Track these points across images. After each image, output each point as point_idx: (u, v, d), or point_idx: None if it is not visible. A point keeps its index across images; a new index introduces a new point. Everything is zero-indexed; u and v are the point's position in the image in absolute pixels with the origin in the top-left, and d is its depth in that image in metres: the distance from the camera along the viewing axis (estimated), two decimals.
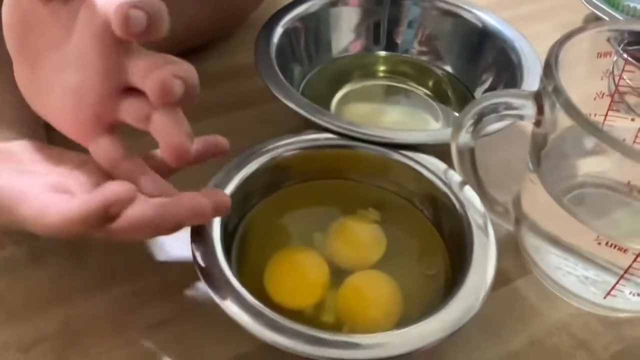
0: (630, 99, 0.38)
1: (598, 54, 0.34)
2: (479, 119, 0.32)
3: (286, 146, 0.34)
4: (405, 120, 0.42)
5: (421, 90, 0.44)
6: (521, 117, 0.31)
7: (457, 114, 0.42)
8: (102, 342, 0.30)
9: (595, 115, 0.37)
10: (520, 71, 0.40)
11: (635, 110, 0.37)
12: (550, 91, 0.29)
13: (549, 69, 0.29)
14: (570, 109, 0.27)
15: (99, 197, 0.23)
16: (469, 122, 0.32)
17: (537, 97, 0.30)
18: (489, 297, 0.28)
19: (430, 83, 0.45)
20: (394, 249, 0.33)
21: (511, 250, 0.36)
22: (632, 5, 0.53)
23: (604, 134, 0.26)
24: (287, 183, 0.35)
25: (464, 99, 0.43)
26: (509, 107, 0.31)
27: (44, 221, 0.24)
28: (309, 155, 0.34)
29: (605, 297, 0.32)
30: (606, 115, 0.37)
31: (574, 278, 0.33)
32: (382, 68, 0.46)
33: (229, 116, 0.44)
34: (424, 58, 0.46)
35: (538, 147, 0.31)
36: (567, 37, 0.32)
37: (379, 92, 0.44)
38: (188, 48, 0.45)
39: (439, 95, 0.44)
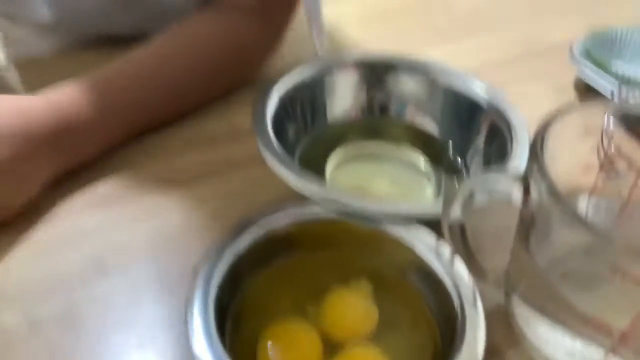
0: (620, 165, 0.39)
1: (586, 129, 0.36)
2: (469, 196, 0.32)
3: (278, 219, 0.35)
4: (399, 185, 0.43)
5: (414, 155, 0.45)
6: (509, 197, 0.32)
7: (450, 177, 0.43)
8: None
9: (582, 192, 0.38)
10: (510, 140, 0.41)
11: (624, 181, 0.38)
12: (535, 174, 0.30)
13: (535, 152, 0.30)
14: (554, 196, 0.28)
15: None
16: (458, 199, 0.33)
17: (524, 180, 0.31)
18: None
19: (423, 148, 0.46)
20: (386, 322, 0.34)
21: (502, 321, 0.36)
22: (620, 69, 0.55)
23: (587, 223, 0.27)
24: (279, 256, 0.35)
25: (457, 164, 0.45)
26: (496, 187, 0.32)
27: None
28: (300, 228, 0.35)
29: None
30: (594, 187, 0.38)
31: (562, 351, 0.33)
32: (376, 133, 0.47)
33: (227, 177, 0.45)
34: (417, 124, 0.47)
35: (525, 224, 0.32)
36: (554, 117, 0.33)
37: (373, 156, 0.46)
38: (193, 103, 0.47)
39: (432, 160, 0.45)
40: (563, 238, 0.33)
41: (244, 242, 0.33)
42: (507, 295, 0.35)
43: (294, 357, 0.32)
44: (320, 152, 0.45)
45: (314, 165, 0.44)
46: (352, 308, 0.34)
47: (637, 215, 0.38)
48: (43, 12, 0.52)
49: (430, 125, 0.47)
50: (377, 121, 0.47)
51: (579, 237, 0.32)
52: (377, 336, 0.33)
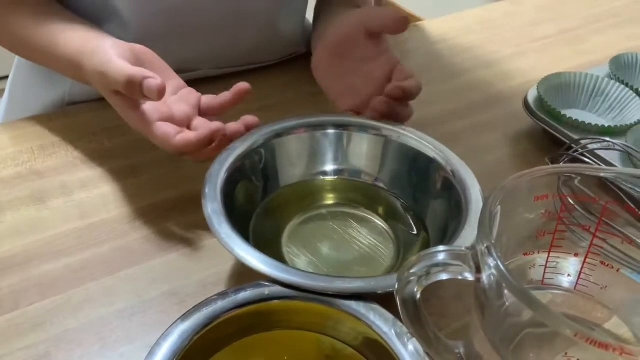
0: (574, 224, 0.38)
1: (535, 197, 0.35)
2: (423, 274, 0.32)
3: (228, 302, 0.34)
4: (359, 253, 0.42)
5: (373, 216, 0.45)
6: (462, 274, 0.31)
7: (411, 235, 0.43)
8: None
9: (539, 252, 0.38)
10: (465, 203, 0.41)
11: (579, 243, 0.38)
12: (484, 252, 0.29)
13: (483, 230, 0.30)
14: (502, 276, 0.28)
15: (207, 132, 0.42)
16: (412, 277, 0.32)
17: (474, 257, 0.30)
18: None
19: (381, 208, 0.45)
20: None
21: None
22: (572, 117, 0.55)
23: (538, 304, 0.27)
24: (233, 339, 0.34)
25: (416, 223, 0.44)
26: (450, 265, 0.31)
27: (170, 144, 0.43)
28: (253, 309, 0.34)
29: None
30: (549, 252, 0.37)
31: None
32: (332, 194, 0.46)
33: (180, 251, 0.44)
34: (373, 183, 0.47)
35: (480, 300, 0.31)
36: (501, 190, 0.33)
37: (330, 219, 0.45)
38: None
39: (391, 220, 0.44)
40: (516, 314, 0.33)
41: (193, 328, 0.32)
42: None
43: None
44: (275, 218, 0.44)
45: (269, 232, 0.43)
46: None
47: (595, 274, 0.38)
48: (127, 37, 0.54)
49: (387, 186, 0.46)
50: (333, 183, 0.47)
51: (528, 315, 0.31)
52: None
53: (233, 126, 0.45)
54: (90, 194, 0.48)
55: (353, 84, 0.51)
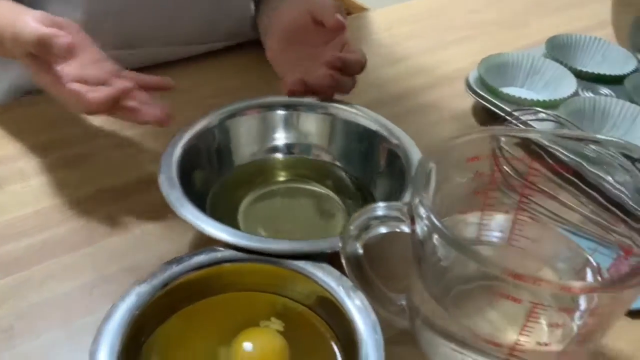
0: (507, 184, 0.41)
1: (467, 159, 0.38)
2: (363, 229, 0.34)
3: (183, 267, 0.36)
4: (311, 225, 0.45)
5: (323, 189, 0.47)
6: (399, 227, 0.34)
7: (360, 204, 0.45)
8: None
9: (473, 211, 0.41)
10: (408, 170, 0.44)
11: (509, 202, 0.41)
12: (417, 204, 0.32)
13: (415, 185, 0.32)
14: (433, 225, 0.30)
15: (115, 90, 0.44)
16: (353, 233, 0.34)
17: (409, 210, 0.33)
18: None
19: (331, 182, 0.48)
20: (296, 354, 0.35)
21: (410, 345, 0.38)
22: (510, 93, 0.59)
23: (465, 247, 0.29)
24: (188, 302, 0.36)
25: (364, 193, 0.47)
26: (388, 218, 0.34)
27: (81, 101, 0.43)
28: (208, 273, 0.36)
29: None
30: (482, 210, 0.40)
31: None
32: (284, 171, 0.49)
33: (139, 229, 0.46)
34: (323, 159, 0.49)
35: (417, 252, 0.34)
36: (435, 150, 0.35)
37: (283, 195, 0.47)
38: None
39: (341, 192, 0.47)
40: (450, 263, 0.35)
41: (147, 293, 0.34)
42: (411, 320, 0.37)
43: None
44: (230, 196, 0.46)
45: (225, 210, 0.45)
46: (262, 346, 0.35)
47: (526, 229, 0.41)
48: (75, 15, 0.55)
49: (336, 161, 0.49)
50: (284, 160, 0.49)
51: (464, 264, 0.34)
52: None
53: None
54: (47, 179, 0.49)
55: (306, 67, 0.52)
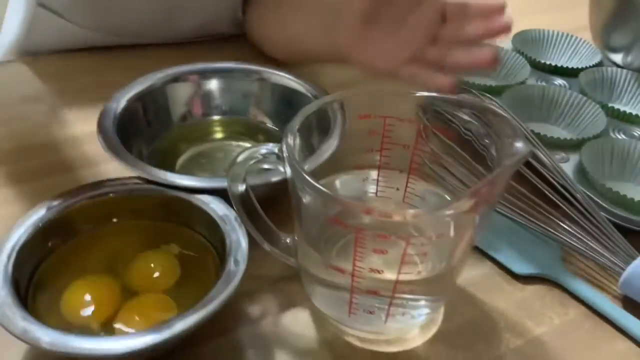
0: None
1: (359, 116, 0.42)
2: (246, 166, 0.38)
3: (91, 191, 0.41)
4: None
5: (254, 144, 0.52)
6: (277, 166, 0.38)
7: None
8: None
9: (370, 168, 0.44)
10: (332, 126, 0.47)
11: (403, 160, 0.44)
12: (284, 144, 0.36)
13: (290, 125, 0.37)
14: (291, 164, 0.34)
15: None
16: (236, 170, 0.38)
17: (279, 153, 0.37)
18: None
19: (262, 139, 0.53)
20: (187, 273, 0.40)
21: (296, 281, 0.42)
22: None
23: (311, 183, 0.33)
24: (93, 225, 0.41)
25: None
26: (269, 157, 0.38)
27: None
28: (116, 199, 0.42)
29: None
30: (379, 167, 0.44)
31: (336, 309, 0.39)
32: (219, 130, 0.54)
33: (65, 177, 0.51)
34: (257, 119, 0.54)
35: (292, 194, 0.38)
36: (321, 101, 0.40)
37: (218, 151, 0.52)
38: None
39: None
40: (316, 208, 0.39)
41: (52, 211, 0.39)
42: (295, 258, 0.41)
43: (93, 302, 0.37)
44: (169, 155, 0.51)
45: (163, 163, 0.49)
46: (153, 265, 0.40)
47: (417, 187, 0.44)
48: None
49: (267, 120, 0.54)
50: (219, 121, 0.54)
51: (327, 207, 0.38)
52: (177, 288, 0.39)
53: None
54: None
55: (394, 45, 0.47)
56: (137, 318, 0.37)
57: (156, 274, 0.40)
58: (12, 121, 0.58)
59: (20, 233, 0.37)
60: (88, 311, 0.37)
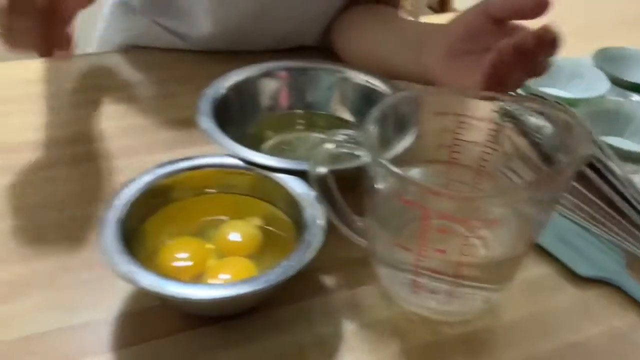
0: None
1: (434, 112, 0.45)
2: (326, 150, 0.42)
3: (189, 164, 0.46)
4: None
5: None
6: (357, 152, 0.42)
7: None
8: None
9: (440, 162, 0.47)
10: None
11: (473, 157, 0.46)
12: (362, 136, 0.40)
13: (370, 116, 0.40)
14: (369, 147, 0.38)
15: None
16: (317, 154, 0.42)
17: (359, 139, 0.41)
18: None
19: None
20: (268, 246, 0.45)
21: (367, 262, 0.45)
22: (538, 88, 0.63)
23: (388, 166, 0.37)
24: (184, 195, 0.46)
25: None
26: (349, 143, 0.42)
27: None
28: (206, 173, 0.47)
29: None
30: (449, 163, 0.47)
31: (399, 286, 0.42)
32: (302, 122, 0.58)
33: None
34: (336, 114, 0.58)
35: (368, 177, 0.41)
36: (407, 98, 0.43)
37: (300, 141, 0.57)
38: None
39: None
40: (388, 190, 0.42)
41: (157, 177, 0.45)
42: (368, 239, 0.45)
43: (186, 259, 0.43)
44: (256, 140, 0.56)
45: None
46: (239, 232, 0.45)
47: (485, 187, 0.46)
48: (203, 28, 0.70)
49: (349, 116, 0.58)
50: (303, 114, 0.59)
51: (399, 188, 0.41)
52: (259, 256, 0.44)
53: None
54: None
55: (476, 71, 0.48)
56: (222, 276, 0.42)
57: (240, 240, 0.45)
58: (120, 102, 0.65)
59: (130, 193, 0.43)
60: (181, 266, 0.42)
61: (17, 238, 0.47)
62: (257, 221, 0.46)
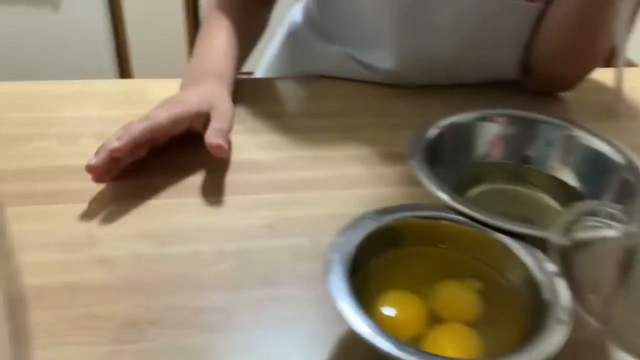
0: None
1: None
2: (573, 222, 0.38)
3: (409, 213, 0.43)
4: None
5: (551, 200, 0.51)
6: (610, 227, 0.37)
7: None
8: None
9: None
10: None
11: None
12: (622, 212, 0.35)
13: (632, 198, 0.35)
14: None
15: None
16: (563, 224, 0.38)
17: (622, 213, 0.36)
18: None
19: (559, 194, 0.51)
20: (487, 315, 0.40)
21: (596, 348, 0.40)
22: None
23: None
24: (405, 244, 0.43)
25: None
26: (599, 216, 0.37)
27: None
28: (429, 224, 0.43)
29: None
30: None
31: None
32: (514, 175, 0.54)
33: (380, 190, 0.55)
34: (555, 173, 0.53)
35: (624, 257, 0.37)
36: None
37: (508, 194, 0.52)
38: None
39: (565, 205, 0.50)
40: None
41: (381, 223, 0.42)
42: (605, 325, 0.39)
43: (402, 319, 0.39)
44: (462, 185, 0.52)
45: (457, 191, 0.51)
46: (460, 296, 0.41)
47: None
48: (389, 63, 0.69)
49: (568, 177, 0.52)
50: (518, 167, 0.54)
51: None
52: (477, 325, 0.39)
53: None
54: None
55: None
56: (443, 344, 0.38)
57: (461, 305, 0.41)
58: (300, 130, 0.63)
59: (356, 235, 0.40)
60: (398, 323, 0.39)
61: (243, 266, 0.47)
62: (477, 285, 0.42)
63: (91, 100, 0.67)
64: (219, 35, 0.66)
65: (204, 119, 0.55)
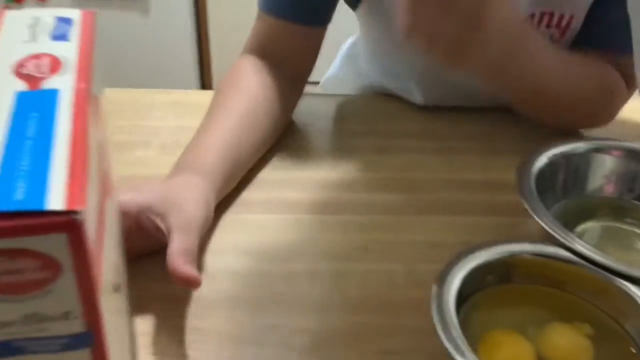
0: None
1: None
2: None
3: (520, 250, 0.41)
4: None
5: None
6: None
7: None
8: None
9: None
10: None
11: None
12: None
13: None
14: None
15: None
16: None
17: None
18: None
19: None
20: None
21: None
22: None
23: None
24: (514, 280, 0.41)
25: None
26: None
27: None
28: (541, 262, 0.41)
29: None
30: None
31: None
32: (629, 214, 0.50)
33: (481, 219, 0.53)
34: None
35: None
36: None
37: (620, 233, 0.49)
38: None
39: None
40: None
41: (494, 256, 0.41)
42: None
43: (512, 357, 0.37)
44: (571, 218, 0.49)
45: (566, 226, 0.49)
46: (570, 341, 0.39)
47: None
48: (417, 97, 0.69)
49: None
50: (633, 205, 0.51)
51: None
52: None
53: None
54: None
55: None
56: None
57: (572, 350, 0.38)
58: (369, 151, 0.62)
59: (464, 267, 0.39)
60: None
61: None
62: (588, 330, 0.39)
63: (190, 110, 0.68)
64: (220, 127, 0.54)
65: (152, 220, 0.43)
